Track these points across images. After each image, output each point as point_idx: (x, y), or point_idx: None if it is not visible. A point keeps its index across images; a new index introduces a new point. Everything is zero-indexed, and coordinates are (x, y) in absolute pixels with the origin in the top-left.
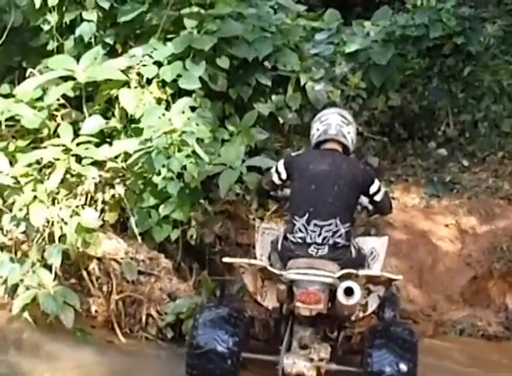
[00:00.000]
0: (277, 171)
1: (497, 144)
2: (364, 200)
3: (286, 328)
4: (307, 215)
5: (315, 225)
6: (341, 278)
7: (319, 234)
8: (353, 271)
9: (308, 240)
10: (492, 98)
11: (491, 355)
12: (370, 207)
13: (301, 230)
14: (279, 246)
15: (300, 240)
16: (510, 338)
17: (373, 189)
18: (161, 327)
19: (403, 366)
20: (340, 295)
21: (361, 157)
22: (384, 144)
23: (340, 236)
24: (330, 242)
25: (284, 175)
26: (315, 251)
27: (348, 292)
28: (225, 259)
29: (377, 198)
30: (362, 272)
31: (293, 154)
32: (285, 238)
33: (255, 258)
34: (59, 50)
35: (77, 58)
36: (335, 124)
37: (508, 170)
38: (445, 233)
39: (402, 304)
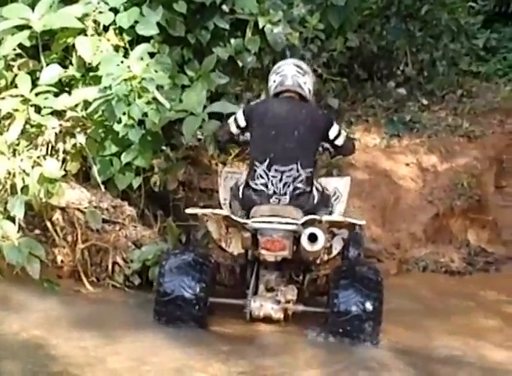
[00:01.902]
0: (235, 121)
1: (456, 82)
2: (326, 144)
3: (252, 273)
4: (267, 161)
5: (276, 170)
6: (305, 224)
7: (280, 179)
8: (316, 217)
9: (270, 186)
10: (450, 36)
11: (453, 288)
12: (332, 149)
13: (261, 176)
14: (241, 193)
15: (261, 187)
16: (472, 273)
17: (332, 132)
18: (128, 274)
19: (369, 305)
20: (305, 242)
21: (321, 99)
22: (344, 85)
23: (302, 181)
24: (291, 188)
25: (243, 123)
26: (277, 201)
27: (312, 238)
28: (188, 210)
29: (338, 142)
30: (325, 218)
31: (252, 103)
32: (246, 185)
33: (219, 202)
34: None
35: (32, 6)
36: (291, 74)
37: (467, 108)
38: (407, 172)
39: (365, 243)
